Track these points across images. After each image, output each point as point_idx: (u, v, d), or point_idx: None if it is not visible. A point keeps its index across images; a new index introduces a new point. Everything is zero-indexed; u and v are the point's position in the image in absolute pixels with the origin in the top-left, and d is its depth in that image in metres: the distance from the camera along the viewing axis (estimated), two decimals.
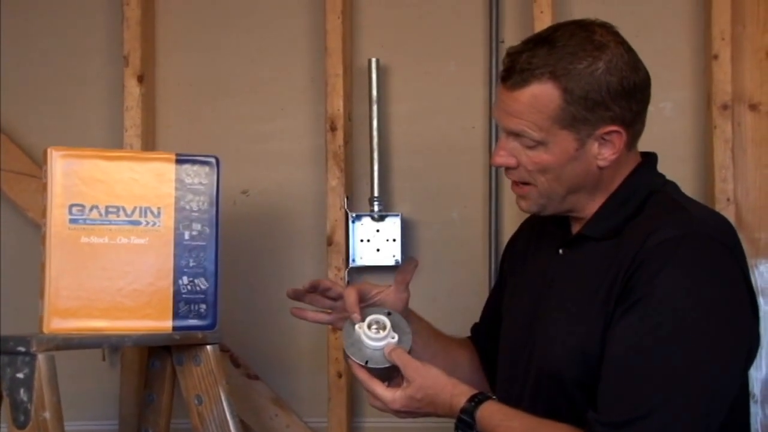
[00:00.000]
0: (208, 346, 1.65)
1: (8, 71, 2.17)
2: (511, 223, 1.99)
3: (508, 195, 1.46)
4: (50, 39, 2.20)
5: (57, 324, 1.56)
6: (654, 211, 1.35)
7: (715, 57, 1.97)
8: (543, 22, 1.95)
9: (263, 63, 2.16)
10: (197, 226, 1.64)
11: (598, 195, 1.39)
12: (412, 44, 2.12)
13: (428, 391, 1.37)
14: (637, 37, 1.82)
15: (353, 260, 2.06)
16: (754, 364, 1.93)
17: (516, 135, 1.36)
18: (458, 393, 1.36)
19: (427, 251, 2.09)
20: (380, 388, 1.40)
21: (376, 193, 2.06)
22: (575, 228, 1.43)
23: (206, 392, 1.64)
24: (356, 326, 1.43)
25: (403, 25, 2.13)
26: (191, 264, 1.63)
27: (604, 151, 1.35)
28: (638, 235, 1.31)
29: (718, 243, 1.30)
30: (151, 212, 1.61)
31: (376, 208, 2.06)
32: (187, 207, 1.63)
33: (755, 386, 1.96)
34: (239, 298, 2.11)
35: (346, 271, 2.05)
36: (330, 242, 2.06)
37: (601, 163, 1.36)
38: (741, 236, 1.94)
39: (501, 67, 1.38)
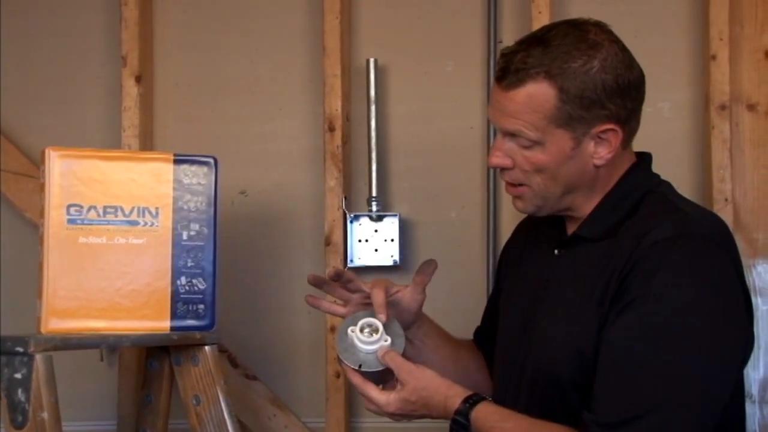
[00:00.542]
0: (206, 347, 1.65)
1: (6, 71, 2.17)
2: (509, 223, 1.99)
3: (507, 195, 1.46)
4: (48, 39, 2.20)
5: (55, 324, 1.55)
6: (649, 211, 1.35)
7: (713, 57, 1.97)
8: (541, 22, 1.95)
9: (261, 63, 2.16)
10: (195, 227, 1.64)
11: (593, 195, 1.39)
12: (410, 44, 2.12)
13: (422, 393, 1.37)
14: (635, 38, 1.82)
15: (351, 260, 2.06)
16: (752, 364, 1.96)
17: (512, 135, 1.37)
18: (453, 394, 1.36)
19: (426, 251, 2.09)
20: (374, 392, 1.40)
21: (374, 194, 2.06)
22: (570, 228, 1.43)
23: (204, 392, 1.64)
24: (349, 330, 1.42)
25: (401, 25, 2.13)
26: (189, 264, 1.63)
27: (600, 150, 1.35)
28: (633, 235, 1.31)
29: (713, 243, 1.30)
30: (149, 212, 1.61)
31: (374, 209, 2.06)
32: (185, 207, 1.63)
33: (753, 386, 1.96)
34: (237, 298, 2.11)
35: None
36: (328, 242, 2.06)
37: (597, 162, 1.36)
38: (739, 236, 1.97)
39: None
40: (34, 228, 2.03)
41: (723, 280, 1.29)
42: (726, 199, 1.95)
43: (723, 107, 1.97)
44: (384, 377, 1.42)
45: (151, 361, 1.73)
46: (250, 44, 2.16)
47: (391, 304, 1.46)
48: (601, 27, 1.36)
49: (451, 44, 2.11)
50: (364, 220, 2.06)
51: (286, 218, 2.13)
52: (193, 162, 1.65)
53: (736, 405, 1.37)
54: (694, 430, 1.24)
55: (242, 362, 2.11)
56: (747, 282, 1.36)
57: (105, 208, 1.59)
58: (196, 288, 1.63)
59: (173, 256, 1.62)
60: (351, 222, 2.06)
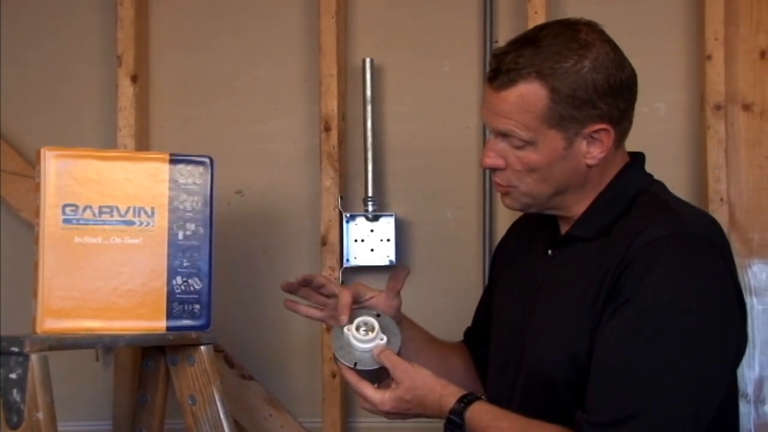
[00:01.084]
0: (202, 347, 1.65)
1: (1, 71, 2.17)
2: (505, 223, 1.99)
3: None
4: (44, 39, 2.19)
5: (50, 324, 1.55)
6: (642, 211, 1.35)
7: (709, 58, 1.97)
8: (537, 22, 1.94)
9: (257, 63, 2.16)
10: (191, 226, 1.63)
11: (586, 195, 1.39)
12: (406, 44, 2.12)
13: (417, 392, 1.37)
14: (630, 38, 1.82)
15: (347, 260, 2.06)
16: (748, 363, 1.96)
17: (504, 135, 1.37)
18: (447, 394, 1.35)
19: (422, 251, 2.09)
20: (370, 390, 1.40)
21: (370, 193, 2.06)
22: (564, 228, 1.43)
23: (200, 392, 1.64)
24: (345, 328, 1.42)
25: (397, 25, 2.13)
26: (185, 264, 1.62)
27: (593, 150, 1.35)
28: (626, 235, 1.31)
29: (706, 243, 1.30)
30: (145, 212, 1.61)
31: (370, 208, 2.06)
32: (181, 207, 1.63)
33: (748, 386, 1.96)
34: (233, 298, 2.11)
35: (340, 271, 2.05)
36: (324, 242, 2.06)
37: (590, 162, 1.36)
38: (734, 236, 1.97)
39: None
40: (29, 228, 2.02)
41: (716, 279, 1.29)
42: (721, 199, 1.96)
43: (718, 107, 1.97)
44: (379, 376, 1.42)
45: (146, 361, 1.73)
46: (246, 44, 2.16)
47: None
48: (592, 26, 1.36)
49: (447, 44, 2.11)
50: (360, 220, 2.06)
51: (282, 218, 2.13)
52: (188, 162, 1.64)
53: (730, 404, 1.37)
54: (687, 430, 1.24)
55: (238, 362, 2.11)
56: (742, 282, 1.37)
57: (101, 207, 1.59)
58: (191, 288, 1.63)
59: (169, 256, 1.62)
60: (347, 222, 2.06)
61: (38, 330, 1.55)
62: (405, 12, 2.13)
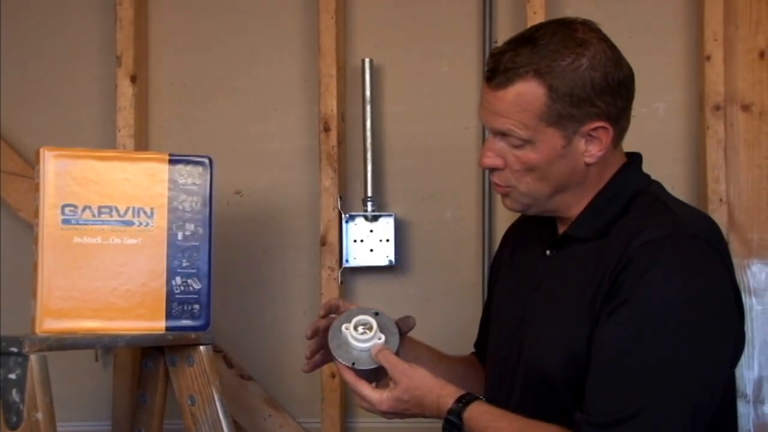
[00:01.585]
0: (201, 347, 1.65)
1: (2, 72, 2.17)
2: (504, 223, 1.99)
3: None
4: (43, 39, 2.19)
5: (49, 324, 1.55)
6: (640, 211, 1.35)
7: (708, 58, 1.97)
8: (536, 22, 1.92)
9: (256, 63, 2.16)
10: (190, 227, 1.64)
11: (583, 195, 1.39)
12: (405, 44, 2.12)
13: (415, 392, 1.36)
14: (629, 38, 1.83)
15: (347, 260, 2.06)
16: (747, 364, 1.96)
17: (502, 135, 1.37)
18: (445, 394, 1.35)
19: (421, 251, 2.09)
20: (367, 390, 1.39)
21: (369, 194, 2.06)
22: (561, 229, 1.43)
23: (199, 393, 1.64)
24: (343, 327, 1.42)
25: (396, 25, 2.13)
26: (184, 264, 1.63)
27: (591, 148, 1.36)
28: (624, 235, 1.31)
29: (704, 243, 1.30)
30: (144, 212, 1.61)
31: (369, 209, 2.06)
32: (180, 207, 1.63)
33: (747, 386, 1.96)
34: (232, 298, 2.11)
35: (340, 272, 2.05)
36: (323, 242, 2.06)
37: (588, 160, 1.36)
38: (733, 237, 1.97)
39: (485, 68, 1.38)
40: (29, 228, 2.02)
41: (714, 279, 1.29)
42: (720, 200, 1.96)
43: (717, 108, 1.97)
44: (377, 375, 1.42)
45: (146, 362, 1.73)
46: (245, 44, 2.16)
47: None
48: (589, 25, 1.36)
49: (446, 44, 2.11)
50: (360, 220, 2.06)
51: (281, 218, 2.13)
52: (188, 162, 1.64)
53: (729, 404, 1.37)
54: (686, 429, 1.24)
55: (237, 362, 2.11)
56: (741, 282, 1.37)
57: (100, 208, 1.59)
58: (191, 288, 1.63)
59: (168, 256, 1.62)
60: (346, 222, 2.06)
61: (37, 330, 1.55)
62: (404, 12, 2.13)
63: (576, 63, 1.32)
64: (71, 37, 2.19)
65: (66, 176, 1.57)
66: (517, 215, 1.57)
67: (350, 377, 1.41)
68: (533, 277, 1.43)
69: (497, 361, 1.48)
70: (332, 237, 2.05)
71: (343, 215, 2.06)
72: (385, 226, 2.06)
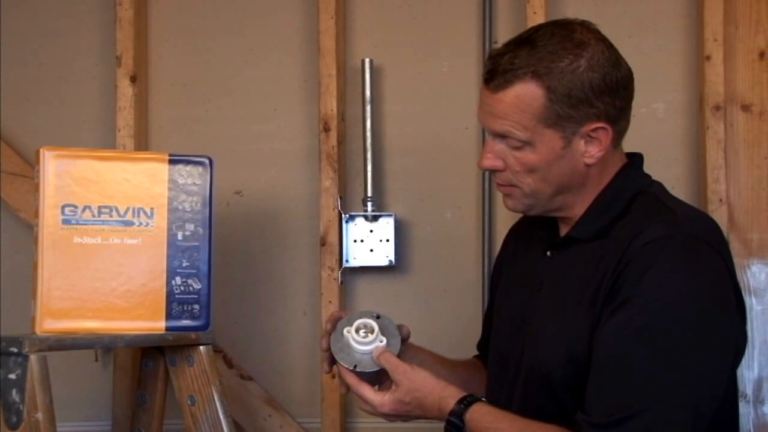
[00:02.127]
0: (201, 347, 1.65)
1: (2, 72, 2.17)
2: (504, 223, 2.00)
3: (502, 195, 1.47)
4: (43, 39, 2.19)
5: (49, 324, 1.55)
6: (640, 212, 1.35)
7: (708, 58, 1.97)
8: (536, 23, 1.94)
9: (256, 63, 2.16)
10: (190, 227, 1.64)
11: (585, 195, 1.39)
12: (405, 45, 2.12)
13: (416, 393, 1.36)
14: (630, 39, 1.83)
15: (347, 261, 2.06)
16: (747, 364, 1.96)
17: (502, 136, 1.37)
18: (447, 395, 1.35)
19: (421, 251, 2.09)
20: (369, 392, 1.40)
21: (369, 194, 2.06)
22: (563, 230, 1.43)
23: (199, 393, 1.64)
24: (344, 330, 1.42)
25: (396, 25, 2.13)
26: (184, 264, 1.63)
27: (591, 149, 1.36)
28: (625, 236, 1.31)
29: (704, 243, 1.30)
30: (144, 213, 1.61)
31: (369, 209, 2.06)
32: (181, 207, 1.63)
33: (747, 386, 1.96)
34: (232, 298, 2.11)
35: (340, 272, 2.05)
36: (323, 243, 2.06)
37: (588, 161, 1.36)
38: (733, 237, 1.97)
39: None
40: (29, 228, 2.02)
41: (714, 279, 1.29)
42: (720, 200, 1.96)
43: (717, 108, 1.97)
44: (379, 378, 1.42)
45: (146, 362, 1.73)
46: (245, 44, 2.16)
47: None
48: (587, 26, 1.36)
49: (446, 45, 2.11)
50: (360, 221, 2.06)
51: (281, 218, 2.13)
52: (188, 162, 1.64)
53: (730, 404, 1.37)
54: (687, 429, 1.24)
55: (237, 362, 2.11)
56: (741, 282, 1.37)
57: (100, 208, 1.59)
58: (191, 288, 1.63)
59: (168, 256, 1.62)
60: (346, 222, 2.06)
61: (37, 330, 1.55)
62: (404, 12, 2.13)
63: (574, 64, 1.32)
64: (71, 37, 2.19)
65: (66, 176, 1.57)
66: (517, 216, 1.57)
67: (352, 380, 1.41)
68: (534, 278, 1.43)
69: (499, 362, 1.48)
70: (332, 237, 2.05)
71: (343, 215, 2.06)
72: (385, 226, 2.06)
